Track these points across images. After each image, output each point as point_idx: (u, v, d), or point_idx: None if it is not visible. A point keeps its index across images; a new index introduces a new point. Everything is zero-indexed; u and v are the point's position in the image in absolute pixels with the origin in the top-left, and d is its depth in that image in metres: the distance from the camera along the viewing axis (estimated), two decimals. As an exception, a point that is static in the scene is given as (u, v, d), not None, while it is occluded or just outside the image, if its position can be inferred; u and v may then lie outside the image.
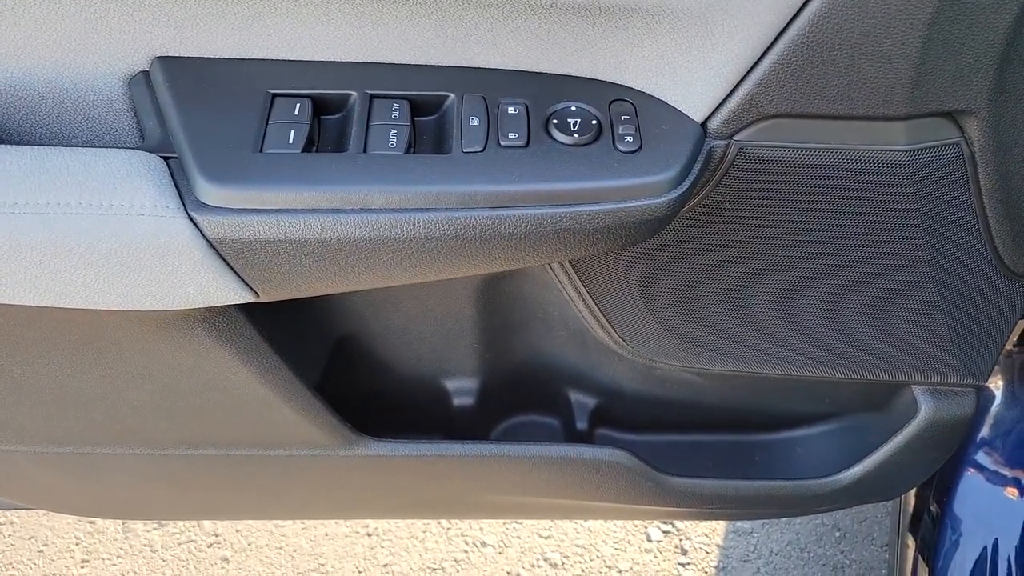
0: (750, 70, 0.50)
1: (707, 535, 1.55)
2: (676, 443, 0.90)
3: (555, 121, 0.52)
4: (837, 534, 1.54)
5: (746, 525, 1.56)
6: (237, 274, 0.50)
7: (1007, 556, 0.91)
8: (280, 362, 0.63)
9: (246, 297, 0.52)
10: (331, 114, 0.54)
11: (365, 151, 0.50)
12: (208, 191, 0.48)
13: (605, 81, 0.55)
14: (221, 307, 0.55)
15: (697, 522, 1.58)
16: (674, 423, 0.87)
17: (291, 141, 0.50)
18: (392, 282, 0.55)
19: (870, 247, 0.59)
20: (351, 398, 0.78)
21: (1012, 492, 0.93)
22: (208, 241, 0.48)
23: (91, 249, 0.47)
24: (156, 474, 0.76)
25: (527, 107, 0.53)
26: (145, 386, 0.63)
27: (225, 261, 0.49)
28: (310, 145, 0.51)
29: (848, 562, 1.50)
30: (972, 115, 0.51)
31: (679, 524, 1.58)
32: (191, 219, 0.48)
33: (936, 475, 1.02)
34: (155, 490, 0.81)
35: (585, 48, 0.53)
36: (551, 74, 0.55)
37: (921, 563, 0.98)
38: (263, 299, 0.53)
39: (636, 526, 1.57)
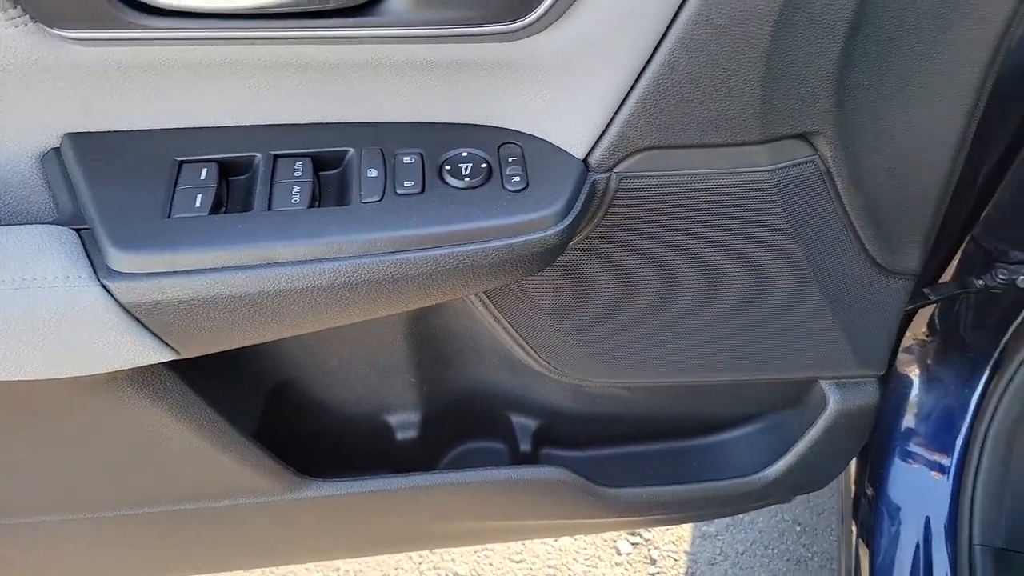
0: (618, 109, 0.54)
1: (674, 543, 1.59)
2: (616, 455, 0.93)
3: (448, 167, 0.57)
4: (798, 528, 1.59)
5: (711, 528, 1.60)
6: (154, 334, 0.53)
7: (939, 532, 0.96)
8: (214, 413, 0.65)
9: (166, 355, 0.55)
10: (238, 175, 0.57)
11: (270, 208, 0.54)
12: (118, 258, 0.51)
13: (494, 127, 0.59)
14: (148, 366, 0.58)
15: (664, 530, 1.61)
16: (612, 437, 0.91)
17: (198, 205, 0.53)
18: (307, 329, 0.58)
19: (752, 259, 0.64)
20: (294, 441, 0.80)
21: (937, 473, 0.98)
22: (122, 306, 0.51)
23: (9, 323, 0.50)
24: (105, 538, 0.77)
25: (422, 156, 0.57)
26: (83, 450, 0.65)
27: (141, 323, 0.52)
28: (218, 207, 0.54)
29: (810, 555, 1.54)
30: (820, 135, 0.56)
31: (647, 535, 1.61)
32: (103, 286, 0.50)
33: (870, 462, 1.07)
34: (107, 554, 0.82)
35: (472, 98, 0.58)
36: (444, 123, 0.59)
37: (862, 546, 1.02)
38: (184, 356, 0.56)
39: (605, 541, 1.60)
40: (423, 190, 0.55)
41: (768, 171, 0.57)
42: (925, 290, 0.88)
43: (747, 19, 0.49)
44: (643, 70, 0.52)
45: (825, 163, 0.58)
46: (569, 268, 0.64)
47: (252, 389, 0.78)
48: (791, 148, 0.57)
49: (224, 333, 0.55)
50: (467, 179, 0.56)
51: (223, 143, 0.57)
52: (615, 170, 0.57)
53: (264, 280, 0.52)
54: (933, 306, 1.00)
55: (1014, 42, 0.56)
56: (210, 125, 0.58)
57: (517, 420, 0.93)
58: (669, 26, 0.50)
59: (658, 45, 0.51)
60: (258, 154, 0.57)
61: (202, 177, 0.55)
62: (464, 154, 0.57)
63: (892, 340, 0.73)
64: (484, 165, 0.56)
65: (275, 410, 0.80)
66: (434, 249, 0.54)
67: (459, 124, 0.59)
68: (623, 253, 0.63)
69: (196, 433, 0.65)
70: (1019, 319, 0.89)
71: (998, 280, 0.86)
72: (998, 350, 0.93)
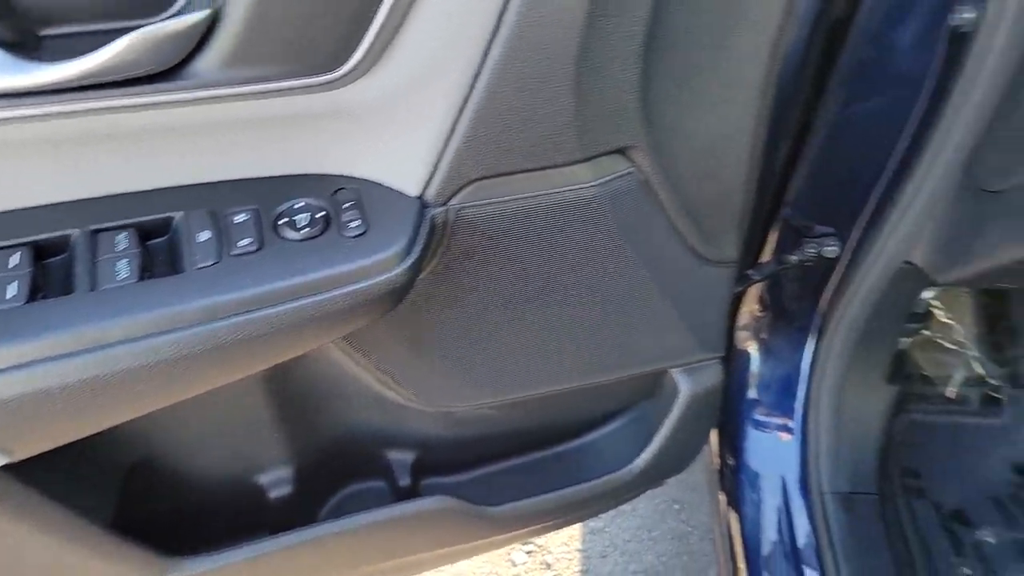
0: (446, 145, 0.56)
1: (566, 543, 1.63)
2: (496, 473, 0.95)
3: (284, 220, 0.56)
4: (676, 507, 1.68)
5: (598, 523, 1.66)
6: None
7: (794, 488, 1.06)
8: (62, 509, 0.61)
9: None
10: (55, 256, 0.54)
11: (94, 288, 0.51)
12: None
13: (328, 174, 0.59)
14: (-25, 474, 0.53)
15: (555, 533, 1.65)
16: (488, 455, 0.92)
17: (12, 294, 0.49)
18: (156, 407, 0.55)
19: (590, 268, 0.68)
20: (159, 520, 0.76)
21: (784, 435, 1.07)
22: None
23: None
24: None
25: (256, 212, 0.56)
26: None
27: None
28: (35, 293, 0.51)
29: (690, 529, 1.64)
30: (635, 149, 0.61)
31: (539, 541, 1.64)
32: None
33: (727, 436, 1.15)
34: None
35: (301, 148, 0.57)
36: (275, 176, 0.59)
37: (732, 513, 1.10)
38: (19, 457, 0.52)
39: (500, 555, 1.61)
40: (260, 247, 0.54)
41: (592, 187, 0.61)
42: (749, 272, 0.96)
43: (552, 51, 0.52)
44: (464, 105, 0.54)
45: (643, 173, 0.62)
46: (421, 301, 0.65)
47: (105, 474, 0.73)
48: (611, 163, 0.61)
49: (60, 427, 0.51)
50: (305, 230, 0.55)
51: (35, 224, 0.53)
52: (451, 203, 0.59)
53: (96, 364, 0.49)
54: (760, 285, 1.10)
55: (786, 46, 0.63)
56: (21, 207, 0.54)
57: (393, 456, 0.92)
58: (483, 62, 0.53)
59: (475, 81, 0.53)
60: (74, 231, 0.53)
61: (13, 264, 0.51)
62: (299, 205, 0.57)
63: (726, 322, 0.80)
64: (321, 214, 0.56)
65: (134, 491, 0.75)
66: (278, 306, 0.53)
67: (291, 175, 0.59)
68: (471, 279, 0.65)
69: (45, 531, 0.60)
70: (830, 286, 0.99)
71: (807, 254, 0.96)
72: (818, 316, 1.03)
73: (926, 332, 1.24)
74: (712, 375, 0.83)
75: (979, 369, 1.23)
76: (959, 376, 1.24)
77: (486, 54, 0.52)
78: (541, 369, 0.75)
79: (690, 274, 0.72)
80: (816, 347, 1.05)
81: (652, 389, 0.87)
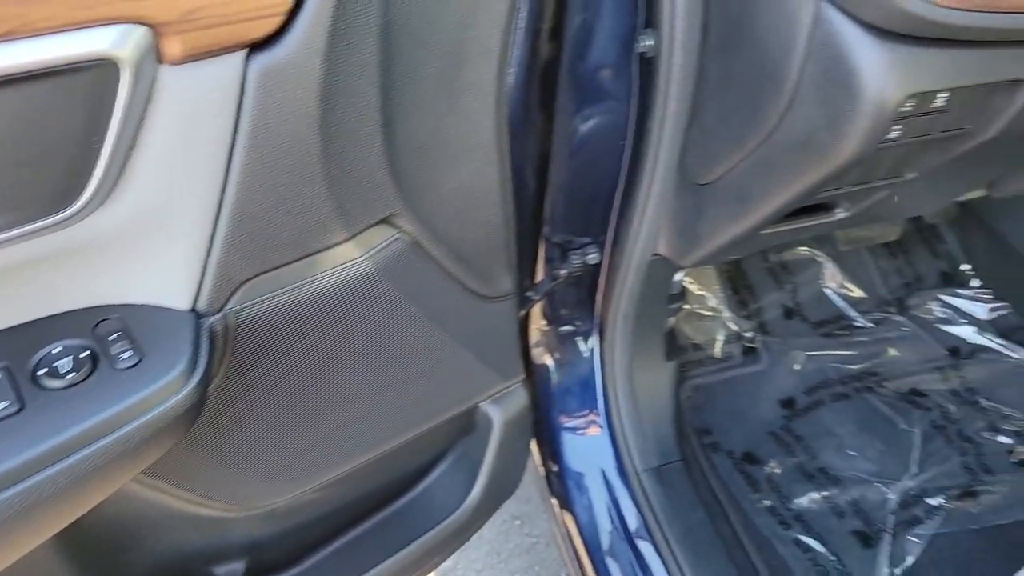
0: (208, 254, 0.55)
1: (423, 592, 1.62)
2: (336, 551, 0.93)
3: (43, 371, 0.51)
4: (518, 522, 1.73)
5: (449, 563, 1.66)
6: None
7: (614, 477, 1.15)
8: None
9: None
10: None
11: None
12: None
13: (87, 308, 0.55)
14: None
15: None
16: (322, 539, 0.90)
17: None
18: None
19: (383, 332, 0.70)
20: None
21: (593, 430, 1.16)
22: None
23: None
24: None
25: (6, 370, 0.51)
26: None
27: None
28: None
29: (535, 540, 1.70)
30: (397, 215, 0.64)
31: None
32: None
33: (546, 444, 1.22)
34: None
35: (49, 288, 0.53)
36: (24, 324, 0.54)
37: (566, 514, 1.17)
38: None
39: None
40: (22, 407, 0.50)
41: (364, 261, 0.63)
42: (528, 294, 1.03)
43: (295, 147, 0.53)
44: (218, 213, 0.54)
45: (409, 235, 0.65)
46: (219, 411, 0.63)
47: None
48: (377, 234, 0.64)
49: None
50: (70, 375, 0.51)
51: None
52: (227, 308, 0.58)
53: None
54: (542, 301, 1.18)
55: (507, 95, 0.69)
56: None
57: (222, 569, 0.87)
58: (227, 170, 0.52)
59: (223, 189, 0.53)
60: None
61: None
62: (57, 350, 0.52)
63: (518, 347, 0.85)
64: (85, 353, 0.52)
65: None
66: (56, 465, 0.49)
67: (41, 319, 0.54)
68: (265, 376, 0.64)
69: None
70: (600, 288, 1.10)
71: (574, 265, 1.05)
72: (597, 317, 1.13)
73: (687, 307, 1.41)
74: (518, 398, 0.88)
75: (734, 327, 1.42)
76: (721, 337, 1.42)
77: (229, 163, 0.52)
78: (353, 441, 0.75)
79: (476, 314, 0.77)
80: (601, 345, 1.15)
81: (467, 426, 0.90)
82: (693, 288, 1.42)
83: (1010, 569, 0.69)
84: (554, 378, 1.19)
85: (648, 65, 0.84)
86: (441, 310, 0.73)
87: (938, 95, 0.67)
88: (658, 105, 0.84)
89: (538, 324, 1.19)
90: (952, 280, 1.54)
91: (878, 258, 1.54)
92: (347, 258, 0.62)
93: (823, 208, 0.90)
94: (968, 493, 1.20)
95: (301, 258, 0.59)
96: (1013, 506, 1.18)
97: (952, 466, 1.24)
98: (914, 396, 1.36)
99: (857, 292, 1.50)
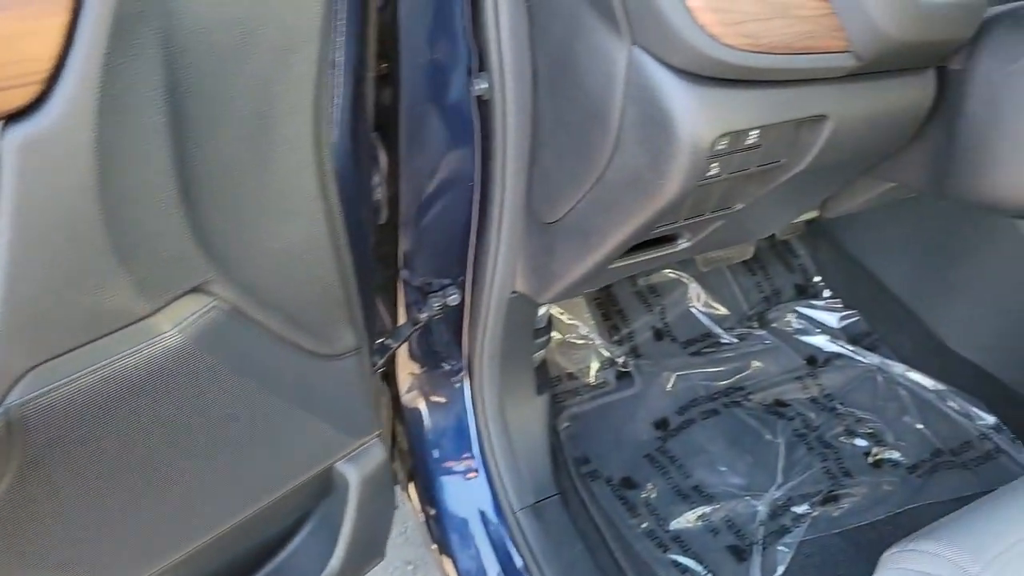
0: None
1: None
2: None
3: None
4: (410, 567, 1.69)
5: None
6: None
7: (492, 518, 1.13)
8: None
9: None
10: None
11: None
12: None
13: None
14: None
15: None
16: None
17: None
18: None
19: (211, 407, 0.65)
20: None
21: (471, 474, 1.14)
22: None
23: None
24: None
25: None
26: None
27: None
28: None
29: (428, 583, 1.66)
30: (210, 283, 0.60)
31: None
32: None
33: (423, 489, 1.19)
34: None
35: None
36: None
37: (446, 559, 1.14)
38: None
39: None
40: None
41: (174, 334, 0.59)
42: (386, 341, 1.01)
43: (72, 222, 0.49)
44: None
45: (228, 302, 0.62)
46: (16, 515, 0.57)
47: None
48: (188, 304, 0.59)
49: None
50: None
51: None
52: (8, 401, 0.52)
53: None
54: (411, 345, 1.15)
55: (331, 151, 0.67)
56: None
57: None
58: None
59: None
60: None
61: None
62: None
63: (370, 402, 0.83)
64: None
65: None
66: None
67: None
68: (74, 468, 0.58)
69: None
70: (464, 329, 1.08)
71: (435, 308, 1.04)
72: (464, 358, 1.12)
73: (558, 337, 1.42)
74: (376, 454, 0.85)
75: (607, 353, 1.44)
76: (594, 364, 1.43)
77: None
78: (193, 521, 0.70)
79: (318, 375, 0.73)
80: (471, 385, 1.13)
81: (324, 488, 0.86)
82: (563, 318, 1.44)
83: (872, 568, 0.71)
84: (427, 422, 1.17)
85: (484, 107, 0.84)
86: (276, 376, 0.69)
87: (749, 132, 0.70)
88: (498, 147, 0.84)
89: (409, 369, 1.17)
90: (806, 292, 1.63)
91: (738, 275, 1.61)
92: (155, 333, 0.58)
93: (667, 240, 0.92)
94: (830, 498, 1.26)
95: (98, 338, 0.55)
96: (872, 507, 1.25)
97: (815, 473, 1.29)
98: (778, 407, 1.42)
99: (721, 310, 1.56)
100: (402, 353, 1.15)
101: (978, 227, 1.34)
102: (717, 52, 0.63)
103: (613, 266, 0.90)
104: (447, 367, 1.15)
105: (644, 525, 1.22)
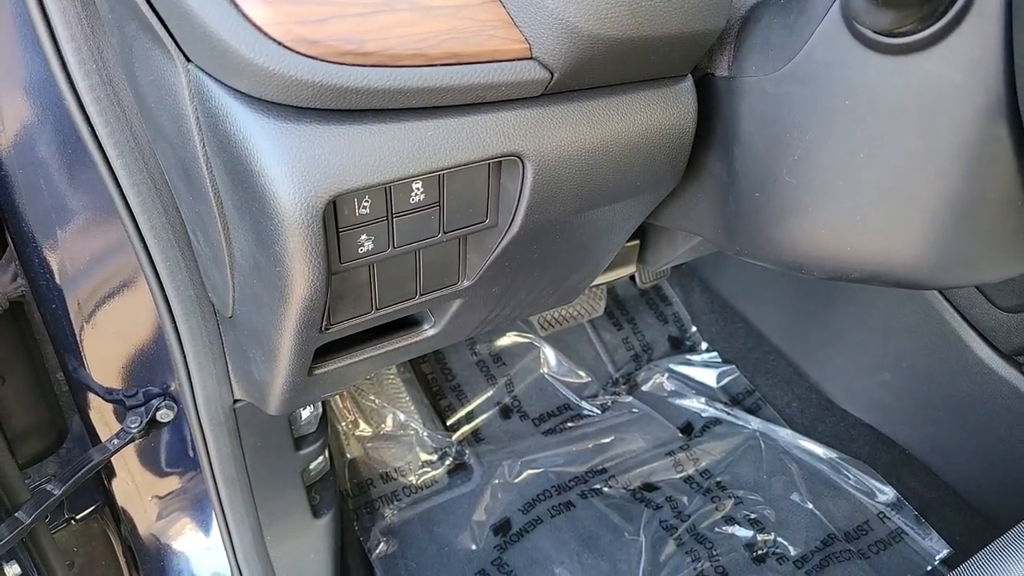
0: None
1: None
2: None
3: None
4: None
5: None
6: None
7: None
8: None
9: None
10: None
11: None
12: None
13: None
14: None
15: None
16: None
17: None
18: None
19: None
20: None
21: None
22: None
23: None
24: None
25: None
26: None
27: None
28: None
29: None
30: None
31: None
32: None
33: None
34: None
35: None
36: None
37: None
38: None
39: None
40: None
41: None
42: (47, 487, 0.74)
43: None
44: None
45: None
46: None
47: None
48: None
49: None
50: None
51: None
52: None
53: None
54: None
55: None
56: None
57: None
58: None
59: None
60: None
61: None
62: None
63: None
64: None
65: None
66: None
67: None
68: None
69: None
70: (199, 454, 0.82)
71: (132, 429, 0.78)
72: (209, 488, 0.86)
73: (366, 431, 1.16)
74: None
75: (433, 444, 1.19)
76: (419, 459, 1.18)
77: None
78: None
79: None
80: (217, 520, 0.87)
81: None
82: (374, 403, 1.18)
83: None
84: (174, 574, 0.90)
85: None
86: None
87: (413, 186, 0.46)
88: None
89: (144, 503, 0.90)
90: (682, 346, 1.40)
91: (602, 331, 1.38)
92: None
93: (413, 323, 0.68)
94: (703, 612, 1.02)
95: None
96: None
97: (684, 578, 1.05)
98: (645, 491, 1.18)
99: (582, 375, 1.32)
100: (131, 483, 0.89)
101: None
102: (292, 66, 0.39)
103: (324, 370, 0.65)
104: (185, 501, 0.89)
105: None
